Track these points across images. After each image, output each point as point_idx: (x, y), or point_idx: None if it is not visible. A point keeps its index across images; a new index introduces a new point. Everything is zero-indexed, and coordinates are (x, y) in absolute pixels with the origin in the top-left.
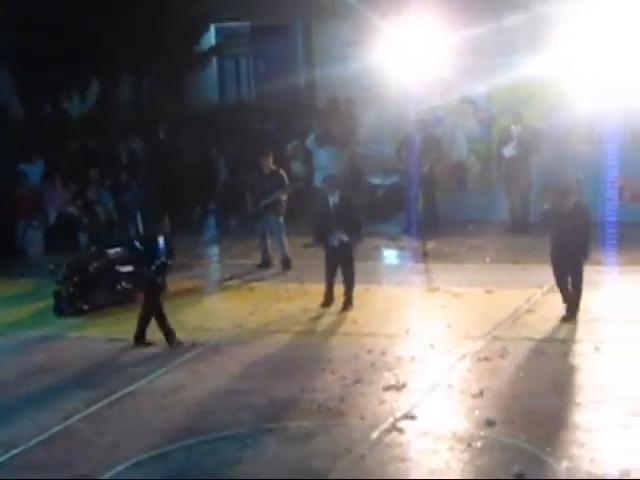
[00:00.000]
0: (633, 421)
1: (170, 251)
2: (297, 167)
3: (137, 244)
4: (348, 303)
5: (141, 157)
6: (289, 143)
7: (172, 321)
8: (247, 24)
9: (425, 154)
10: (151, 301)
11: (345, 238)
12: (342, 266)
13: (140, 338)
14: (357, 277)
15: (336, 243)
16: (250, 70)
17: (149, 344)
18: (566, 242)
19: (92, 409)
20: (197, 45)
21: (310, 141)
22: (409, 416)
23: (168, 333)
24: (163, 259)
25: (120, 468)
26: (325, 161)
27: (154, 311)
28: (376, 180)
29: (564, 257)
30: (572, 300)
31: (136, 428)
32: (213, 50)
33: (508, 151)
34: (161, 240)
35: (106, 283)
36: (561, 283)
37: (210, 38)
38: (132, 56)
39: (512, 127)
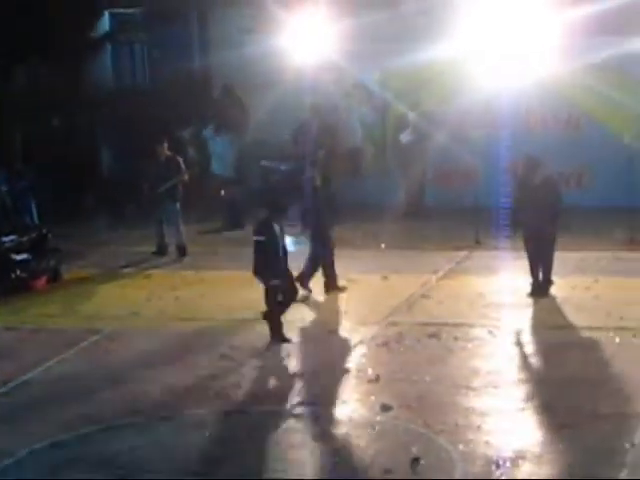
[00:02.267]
0: (526, 404)
1: None
2: (192, 153)
3: (260, 238)
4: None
5: (35, 144)
6: (185, 130)
7: (67, 309)
8: (141, 10)
9: (320, 140)
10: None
11: None
12: None
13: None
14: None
15: None
16: (145, 57)
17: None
18: (535, 216)
19: None
20: (92, 31)
21: (207, 131)
22: (307, 402)
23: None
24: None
25: (16, 456)
26: (221, 149)
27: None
28: (272, 166)
29: (535, 231)
30: (545, 275)
31: (31, 417)
32: (107, 36)
33: (405, 137)
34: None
35: (0, 272)
36: (533, 259)
37: (104, 24)
38: (26, 43)
39: (408, 113)
